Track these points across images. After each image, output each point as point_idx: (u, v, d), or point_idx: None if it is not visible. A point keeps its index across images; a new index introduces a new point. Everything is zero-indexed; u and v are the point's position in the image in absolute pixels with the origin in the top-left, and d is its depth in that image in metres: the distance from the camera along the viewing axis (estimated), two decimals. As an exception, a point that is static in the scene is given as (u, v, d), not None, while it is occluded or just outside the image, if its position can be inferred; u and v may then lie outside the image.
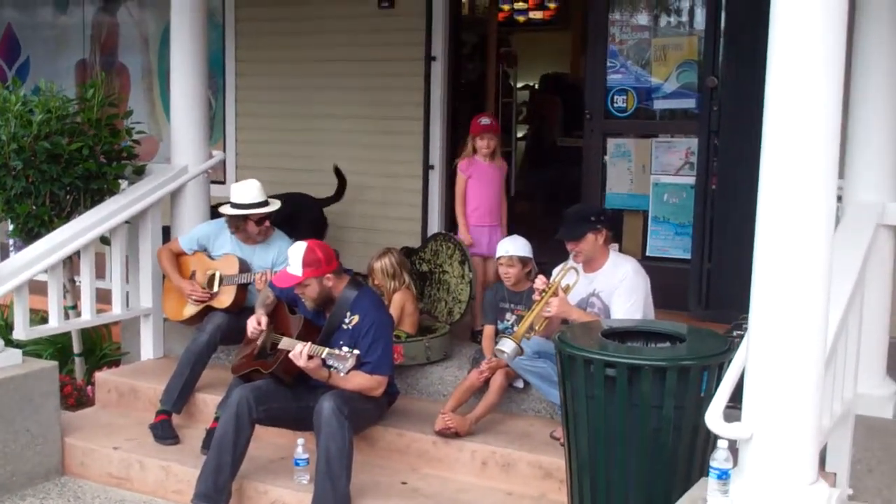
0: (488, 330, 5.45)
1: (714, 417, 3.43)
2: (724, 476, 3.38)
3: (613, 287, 4.82)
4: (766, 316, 3.36)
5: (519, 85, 11.75)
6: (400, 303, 5.60)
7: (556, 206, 7.30)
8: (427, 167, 7.61)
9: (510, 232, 5.81)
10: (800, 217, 3.25)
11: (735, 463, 3.45)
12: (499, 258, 5.39)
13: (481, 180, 6.26)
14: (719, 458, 3.39)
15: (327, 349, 4.61)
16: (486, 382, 5.11)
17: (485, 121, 6.26)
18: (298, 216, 6.72)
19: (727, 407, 3.48)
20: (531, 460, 4.75)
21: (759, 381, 3.38)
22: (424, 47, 7.47)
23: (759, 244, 3.37)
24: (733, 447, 3.46)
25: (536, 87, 11.82)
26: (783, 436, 3.34)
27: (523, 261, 5.37)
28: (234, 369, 5.10)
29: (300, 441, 4.81)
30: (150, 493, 5.11)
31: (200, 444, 5.18)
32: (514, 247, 5.37)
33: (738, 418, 3.50)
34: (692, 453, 3.90)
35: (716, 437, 3.41)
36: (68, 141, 5.94)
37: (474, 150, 6.24)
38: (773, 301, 3.34)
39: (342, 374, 4.59)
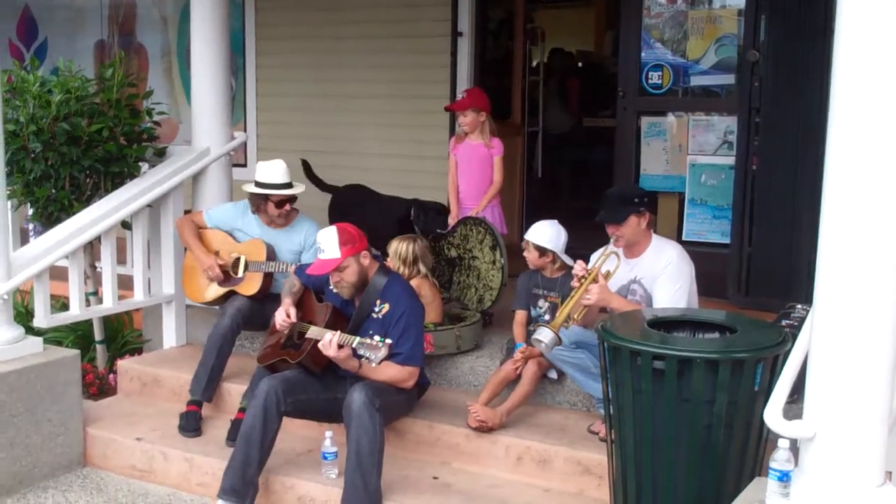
0: (520, 316, 5.25)
1: (774, 415, 3.23)
2: (784, 478, 3.18)
3: (657, 273, 4.60)
4: (833, 304, 3.13)
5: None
6: (415, 289, 5.36)
7: (584, 189, 7.15)
8: (454, 147, 7.40)
9: (529, 216, 5.57)
10: (872, 196, 3.02)
11: (796, 463, 3.25)
12: (525, 240, 5.18)
13: (463, 160, 6.14)
14: (780, 459, 3.19)
15: (358, 338, 4.43)
16: (519, 373, 4.92)
17: (460, 95, 6.05)
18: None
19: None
20: (568, 456, 4.56)
21: (824, 375, 3.16)
22: (451, 23, 7.28)
23: (825, 226, 3.15)
24: (793, 446, 3.26)
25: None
26: (850, 435, 3.12)
27: (540, 250, 5.15)
28: (261, 359, 4.93)
29: (328, 434, 4.65)
30: (174, 486, 4.97)
31: (225, 436, 5.03)
32: (535, 233, 5.13)
33: (796, 414, 3.30)
34: (744, 452, 3.71)
35: (769, 435, 3.22)
36: (88, 122, 5.79)
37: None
38: (841, 288, 3.10)
39: (374, 365, 4.41)
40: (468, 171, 6.13)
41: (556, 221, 5.21)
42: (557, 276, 5.18)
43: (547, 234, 5.13)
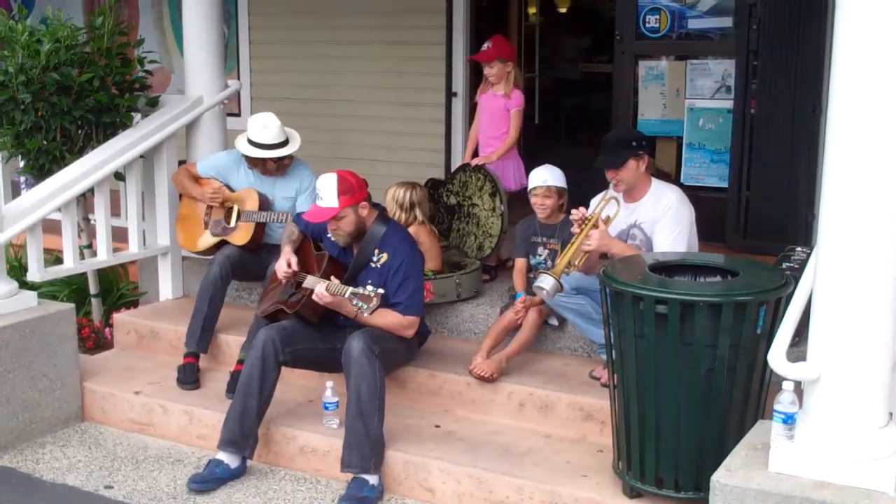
0: (520, 263, 5.22)
1: (777, 357, 3.22)
2: (789, 420, 3.18)
3: (657, 217, 4.55)
4: (837, 246, 3.10)
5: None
6: (413, 236, 5.30)
7: (582, 134, 7.04)
8: (450, 94, 7.34)
9: (534, 162, 5.51)
10: (876, 135, 2.97)
11: (799, 406, 3.23)
12: (534, 188, 5.11)
13: (482, 110, 6.02)
14: (784, 402, 3.17)
15: (350, 289, 4.37)
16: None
17: (485, 46, 5.88)
18: None
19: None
20: (570, 401, 4.54)
21: (828, 317, 3.15)
22: (446, -32, 7.15)
23: (828, 168, 3.11)
24: (796, 388, 3.24)
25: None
26: (854, 376, 3.11)
27: (559, 191, 5.12)
28: (259, 310, 4.89)
29: (329, 384, 4.62)
30: (173, 440, 4.94)
31: (225, 388, 5.00)
32: (553, 176, 5.10)
33: (799, 357, 3.28)
34: (747, 395, 3.70)
35: (772, 378, 3.19)
36: (78, 72, 5.69)
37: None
38: (844, 230, 3.07)
39: (366, 315, 4.36)
40: (483, 121, 6.01)
41: (549, 164, 5.22)
42: (556, 222, 5.14)
43: (557, 175, 5.14)
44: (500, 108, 5.88)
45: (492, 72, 5.87)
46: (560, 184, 5.12)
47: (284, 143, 5.44)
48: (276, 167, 5.48)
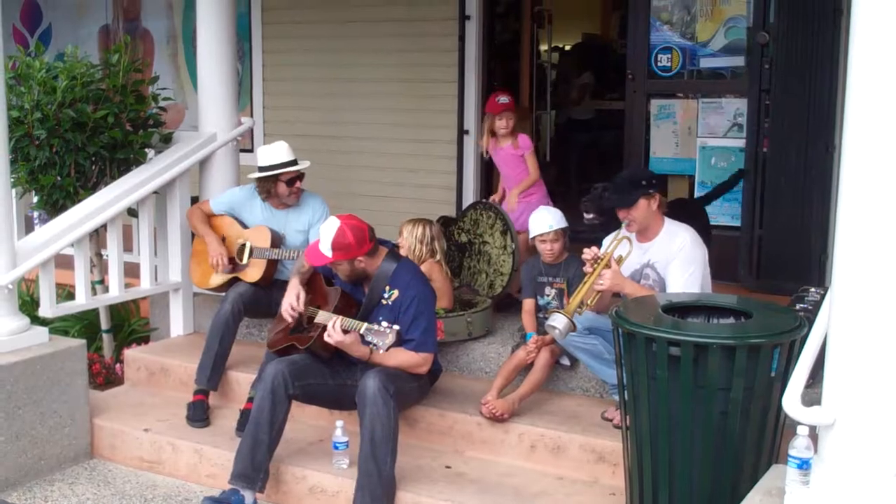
0: (528, 304, 5.21)
1: (792, 401, 3.17)
2: (804, 465, 3.13)
3: (670, 257, 4.54)
4: (852, 288, 3.05)
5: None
6: (426, 273, 5.30)
7: (594, 172, 7.04)
8: (462, 132, 7.34)
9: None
10: (892, 170, 2.93)
11: (814, 450, 3.20)
12: (541, 235, 5.08)
13: (500, 163, 6.15)
14: (799, 447, 3.13)
15: (365, 324, 4.38)
16: (532, 360, 4.86)
17: (503, 99, 5.99)
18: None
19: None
20: (582, 443, 4.50)
21: (843, 360, 3.10)
22: (458, 6, 7.18)
23: (843, 209, 3.07)
24: (811, 432, 3.21)
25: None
26: (870, 421, 3.06)
27: (564, 232, 5.13)
28: (270, 345, 4.88)
29: (339, 423, 4.59)
30: (183, 478, 4.92)
31: (235, 426, 4.98)
32: (555, 219, 5.11)
33: (813, 400, 3.24)
34: (761, 438, 3.66)
35: (786, 421, 3.15)
36: (93, 108, 5.73)
37: (493, 132, 6.03)
38: (860, 271, 3.02)
39: (381, 351, 4.35)
40: (506, 174, 6.14)
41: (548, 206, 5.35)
42: (559, 261, 5.14)
43: (559, 216, 5.15)
44: (516, 158, 6.02)
45: (502, 123, 5.99)
46: (563, 224, 5.13)
47: (294, 163, 5.48)
48: (289, 193, 5.49)
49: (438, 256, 5.40)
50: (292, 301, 4.72)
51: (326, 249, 4.49)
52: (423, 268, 5.15)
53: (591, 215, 5.18)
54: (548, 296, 5.16)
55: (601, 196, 5.10)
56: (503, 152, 6.05)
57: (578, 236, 5.40)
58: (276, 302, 5.10)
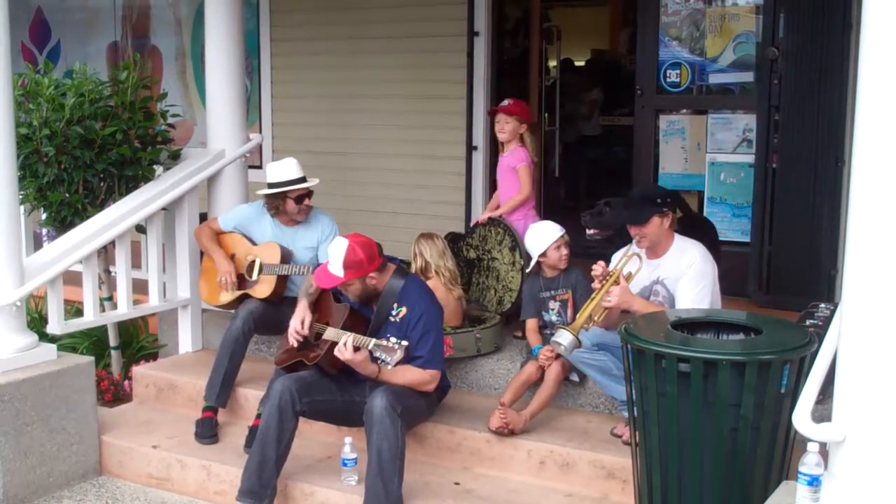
0: (531, 323, 5.20)
1: (803, 418, 3.16)
2: (815, 482, 3.11)
3: (680, 274, 4.52)
4: (863, 304, 3.04)
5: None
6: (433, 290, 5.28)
7: (603, 188, 7.02)
8: (470, 148, 7.34)
9: (548, 216, 5.49)
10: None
11: (825, 467, 3.17)
12: (555, 241, 5.05)
13: (498, 173, 5.97)
14: (810, 463, 3.11)
15: (374, 340, 4.36)
16: (541, 375, 4.84)
17: (503, 102, 5.84)
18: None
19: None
20: (592, 459, 4.48)
21: (853, 376, 3.09)
22: (467, 22, 7.19)
23: (853, 224, 3.05)
24: (822, 448, 3.18)
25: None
26: (881, 438, 3.04)
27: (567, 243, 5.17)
28: (278, 361, 4.88)
29: (348, 440, 4.58)
30: (192, 495, 4.91)
31: (243, 443, 4.97)
32: (557, 225, 5.14)
33: (824, 416, 3.22)
34: (771, 455, 3.63)
35: (796, 437, 3.13)
36: (102, 125, 5.75)
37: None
38: (870, 287, 3.01)
39: (390, 367, 4.33)
40: (499, 186, 5.94)
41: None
42: (559, 274, 5.15)
43: (557, 225, 5.17)
44: (509, 169, 5.80)
45: (498, 127, 5.80)
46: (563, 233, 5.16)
47: (303, 180, 5.48)
48: (298, 210, 5.50)
49: (448, 275, 5.36)
50: (297, 325, 4.72)
51: (338, 269, 4.48)
52: (429, 283, 5.13)
53: (591, 230, 5.17)
54: (553, 309, 5.15)
55: (601, 212, 5.10)
56: (502, 161, 5.90)
57: (587, 251, 5.40)
58: (287, 318, 5.08)
